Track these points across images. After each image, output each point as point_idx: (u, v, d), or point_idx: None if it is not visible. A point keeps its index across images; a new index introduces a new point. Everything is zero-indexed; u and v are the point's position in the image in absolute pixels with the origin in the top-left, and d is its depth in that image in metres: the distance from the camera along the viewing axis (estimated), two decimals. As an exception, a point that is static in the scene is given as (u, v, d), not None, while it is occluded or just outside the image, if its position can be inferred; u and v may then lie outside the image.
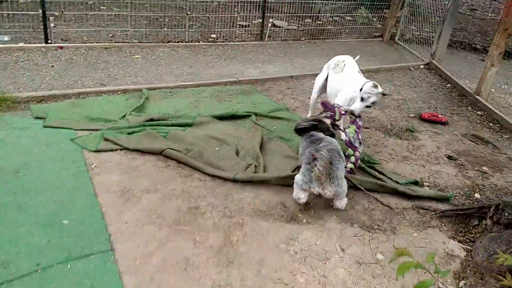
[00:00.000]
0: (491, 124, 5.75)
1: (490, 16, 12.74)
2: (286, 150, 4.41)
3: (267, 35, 8.56)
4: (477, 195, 3.96)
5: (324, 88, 4.83)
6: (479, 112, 6.11)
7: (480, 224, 3.36)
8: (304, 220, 3.38)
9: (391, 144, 4.83)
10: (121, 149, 4.10)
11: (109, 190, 3.52)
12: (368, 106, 3.97)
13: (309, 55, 8.04)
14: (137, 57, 6.73)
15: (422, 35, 9.38)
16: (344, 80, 4.29)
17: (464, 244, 3.18)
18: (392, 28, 9.86)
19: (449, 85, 7.15)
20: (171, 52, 7.19)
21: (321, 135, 3.64)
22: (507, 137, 5.36)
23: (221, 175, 3.80)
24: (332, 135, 3.74)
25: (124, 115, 4.78)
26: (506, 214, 2.97)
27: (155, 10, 8.49)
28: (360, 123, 4.02)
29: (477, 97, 6.39)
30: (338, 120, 3.98)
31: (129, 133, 4.36)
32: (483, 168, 4.47)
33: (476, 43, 10.66)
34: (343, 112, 3.97)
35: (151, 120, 4.65)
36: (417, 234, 3.29)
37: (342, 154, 3.48)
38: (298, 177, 3.47)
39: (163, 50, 7.22)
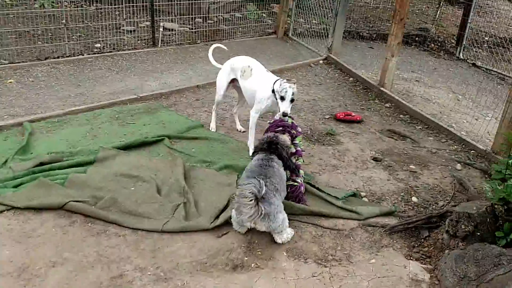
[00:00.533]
0: (401, 116, 5.85)
1: (373, 4, 13.37)
2: (214, 176, 3.90)
3: (160, 40, 7.85)
4: (414, 199, 3.88)
5: (228, 88, 4.79)
6: (387, 105, 6.19)
7: (430, 235, 3.24)
8: (253, 265, 2.94)
9: (316, 153, 4.59)
10: (8, 210, 3.25)
11: (1, 272, 2.71)
12: (292, 101, 3.88)
13: (209, 60, 7.52)
14: (10, 82, 5.61)
15: (313, 28, 9.43)
16: (257, 82, 4.29)
17: (423, 263, 3.01)
18: (285, 24, 9.76)
19: (351, 78, 7.20)
20: (51, 71, 6.16)
21: (263, 161, 3.26)
22: (420, 128, 5.47)
23: (145, 227, 3.17)
24: (286, 158, 3.38)
25: (5, 161, 3.85)
26: (463, 227, 2.85)
27: (24, 22, 7.26)
28: (299, 129, 3.86)
29: (382, 88, 6.49)
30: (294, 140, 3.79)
31: (15, 186, 3.49)
32: (410, 166, 4.44)
33: (362, 31, 11.07)
34: (299, 130, 3.80)
35: (41, 164, 3.79)
36: (374, 260, 3.04)
37: (279, 186, 3.10)
38: (232, 213, 3.15)
39: (41, 69, 6.16)
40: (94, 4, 8.27)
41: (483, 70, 9.50)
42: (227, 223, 3.25)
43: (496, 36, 11.11)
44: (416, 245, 3.22)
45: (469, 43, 10.06)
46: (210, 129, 4.92)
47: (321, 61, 8.02)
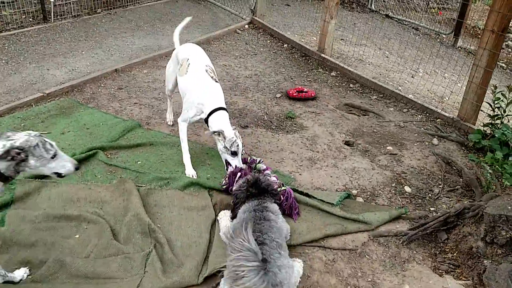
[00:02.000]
0: (351, 85, 5.41)
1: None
2: (181, 199, 3.07)
3: (52, 13, 6.38)
4: (407, 189, 3.48)
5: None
6: (333, 73, 5.69)
7: (449, 237, 2.85)
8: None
9: (285, 145, 3.95)
10: None
11: None
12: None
13: (118, 33, 6.33)
14: None
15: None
16: (190, 82, 3.39)
17: (456, 276, 2.62)
18: (194, -18, 8.65)
19: (286, 45, 6.55)
20: None
21: (257, 214, 2.50)
22: (375, 98, 5.08)
23: (114, 297, 2.32)
24: (276, 193, 2.74)
25: None
26: (503, 233, 2.48)
27: None
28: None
29: (323, 55, 5.96)
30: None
31: None
32: (388, 148, 4.02)
33: (274, -13, 10.35)
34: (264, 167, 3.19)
35: None
36: (408, 285, 2.56)
37: (281, 240, 2.35)
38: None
39: None
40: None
41: (396, 20, 9.47)
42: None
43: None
44: (438, 252, 2.82)
45: (377, -8, 9.95)
46: (167, 122, 4.10)
47: (246, 26, 7.21)
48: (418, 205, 3.31)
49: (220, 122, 3.16)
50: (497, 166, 3.51)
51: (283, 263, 2.13)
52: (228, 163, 3.15)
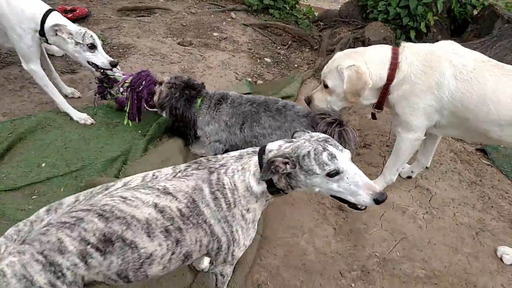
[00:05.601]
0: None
1: None
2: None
3: None
4: (268, 60, 3.88)
5: None
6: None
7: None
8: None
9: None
10: None
11: None
12: (92, 48, 2.54)
13: None
14: None
15: None
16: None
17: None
18: None
19: None
20: None
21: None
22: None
23: None
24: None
25: None
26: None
27: None
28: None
29: None
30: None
31: None
32: (214, 34, 4.12)
33: None
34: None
35: None
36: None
37: None
38: None
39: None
40: None
41: None
42: None
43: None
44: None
45: None
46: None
47: None
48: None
49: (59, 20, 2.47)
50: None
51: None
52: (93, 65, 2.56)
